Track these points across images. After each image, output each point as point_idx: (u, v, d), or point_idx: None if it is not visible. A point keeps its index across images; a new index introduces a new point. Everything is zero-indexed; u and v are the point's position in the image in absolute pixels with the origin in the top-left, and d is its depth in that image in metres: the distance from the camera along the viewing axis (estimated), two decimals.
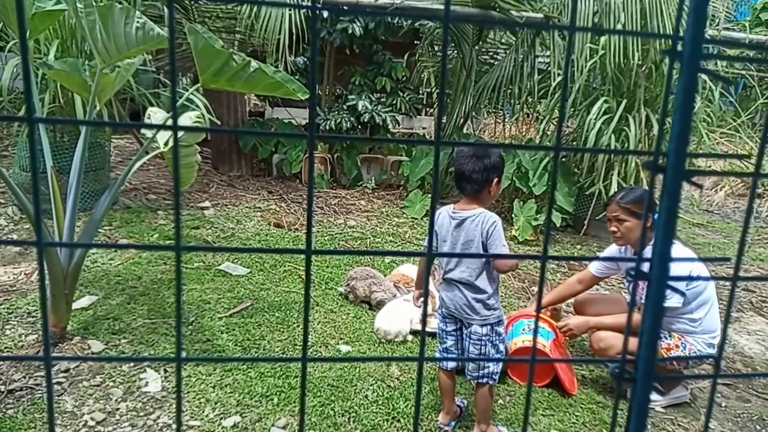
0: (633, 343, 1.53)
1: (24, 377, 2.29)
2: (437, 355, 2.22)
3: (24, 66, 0.37)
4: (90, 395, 2.23)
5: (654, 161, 0.34)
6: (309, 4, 4.85)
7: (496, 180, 1.99)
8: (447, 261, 2.07)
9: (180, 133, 2.75)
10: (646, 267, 0.42)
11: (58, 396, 2.20)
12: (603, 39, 4.44)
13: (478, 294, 2.03)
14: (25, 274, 3.17)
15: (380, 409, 2.30)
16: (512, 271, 1.98)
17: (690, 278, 2.18)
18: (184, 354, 2.53)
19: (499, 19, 4.86)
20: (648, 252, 0.44)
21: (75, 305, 2.74)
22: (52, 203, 2.53)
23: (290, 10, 4.39)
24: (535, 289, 3.62)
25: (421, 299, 2.34)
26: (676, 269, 2.35)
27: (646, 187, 4.26)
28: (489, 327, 2.06)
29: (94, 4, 2.20)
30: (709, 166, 5.54)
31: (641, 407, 0.37)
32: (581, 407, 2.44)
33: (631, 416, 0.38)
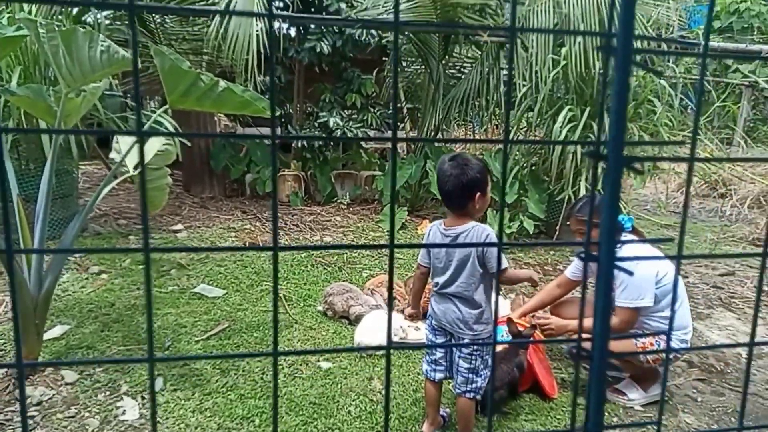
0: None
1: None
2: (424, 365, 2.21)
3: None
4: (65, 427, 2.17)
5: (596, 150, 0.37)
6: (267, 13, 4.88)
7: (479, 194, 1.98)
8: (442, 276, 2.07)
9: (149, 157, 2.73)
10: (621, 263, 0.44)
11: (31, 431, 2.13)
12: (564, 50, 4.57)
13: (472, 309, 2.03)
14: None
15: (363, 424, 2.29)
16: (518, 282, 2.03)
17: (636, 258, 2.23)
18: (160, 379, 2.49)
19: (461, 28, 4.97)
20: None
21: (46, 335, 2.67)
22: (19, 233, 2.47)
23: (258, 26, 4.40)
24: (513, 293, 3.66)
25: (412, 312, 2.36)
26: (644, 269, 2.42)
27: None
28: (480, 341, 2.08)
29: (56, 28, 2.18)
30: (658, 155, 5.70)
31: (598, 382, 0.38)
32: (562, 410, 2.47)
33: (590, 392, 0.40)
